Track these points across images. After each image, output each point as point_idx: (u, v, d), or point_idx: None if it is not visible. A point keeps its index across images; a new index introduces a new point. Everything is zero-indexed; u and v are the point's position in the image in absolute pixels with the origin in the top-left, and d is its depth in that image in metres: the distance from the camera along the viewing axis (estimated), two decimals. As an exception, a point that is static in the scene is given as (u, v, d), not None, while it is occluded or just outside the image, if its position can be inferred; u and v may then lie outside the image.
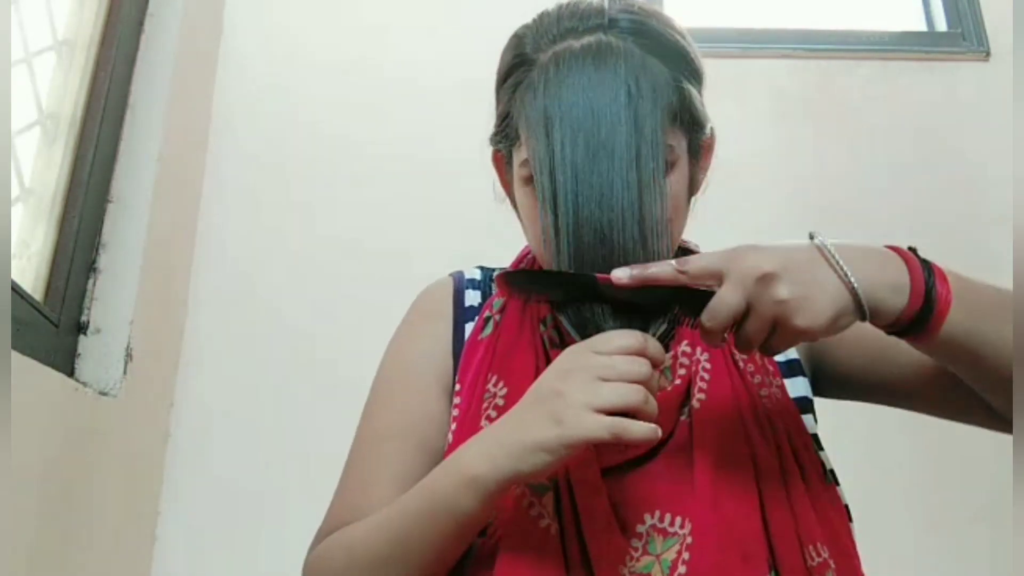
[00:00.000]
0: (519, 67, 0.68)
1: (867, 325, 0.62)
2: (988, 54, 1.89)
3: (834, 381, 0.78)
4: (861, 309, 0.58)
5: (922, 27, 2.02)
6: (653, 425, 0.56)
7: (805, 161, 1.81)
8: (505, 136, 0.71)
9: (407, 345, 0.79)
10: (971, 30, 1.92)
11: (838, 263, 0.58)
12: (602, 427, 0.55)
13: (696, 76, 0.71)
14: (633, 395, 0.56)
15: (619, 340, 0.59)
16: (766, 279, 0.57)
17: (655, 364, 0.59)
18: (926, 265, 0.61)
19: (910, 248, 0.62)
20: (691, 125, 0.69)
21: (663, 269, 0.59)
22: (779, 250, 0.59)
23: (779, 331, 0.57)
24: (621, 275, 0.58)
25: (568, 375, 0.58)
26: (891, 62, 1.89)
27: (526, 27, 0.70)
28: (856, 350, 0.75)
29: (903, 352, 0.70)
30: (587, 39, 0.65)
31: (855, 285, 0.57)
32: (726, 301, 0.57)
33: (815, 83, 1.87)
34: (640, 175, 0.61)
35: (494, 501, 0.60)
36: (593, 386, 0.56)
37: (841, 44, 1.91)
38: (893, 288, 0.59)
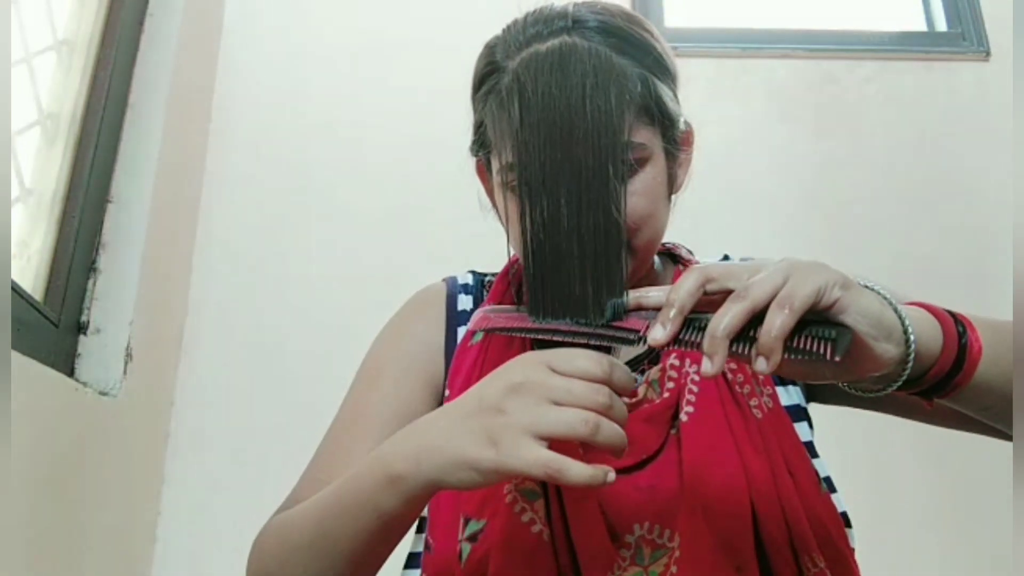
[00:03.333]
0: (490, 75, 0.70)
1: None
2: (988, 54, 1.89)
3: (828, 389, 0.76)
4: (908, 345, 0.53)
5: (922, 27, 2.02)
6: (599, 468, 0.50)
7: (805, 161, 1.81)
8: (482, 144, 0.73)
9: (398, 338, 0.79)
10: (971, 30, 1.92)
11: (891, 303, 0.53)
12: (538, 463, 0.49)
13: (665, 71, 0.71)
14: (581, 426, 0.50)
15: (581, 361, 0.53)
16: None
17: (620, 393, 0.53)
18: (953, 316, 0.57)
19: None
20: (663, 122, 0.69)
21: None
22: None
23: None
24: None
25: (516, 391, 0.52)
26: (891, 62, 1.89)
27: (496, 37, 0.72)
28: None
29: None
30: (552, 42, 0.66)
31: (908, 326, 0.53)
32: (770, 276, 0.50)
33: (815, 83, 1.87)
34: (602, 172, 0.60)
35: (418, 502, 0.57)
36: (541, 409, 0.51)
37: (841, 44, 1.91)
38: (932, 337, 0.55)
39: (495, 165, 0.70)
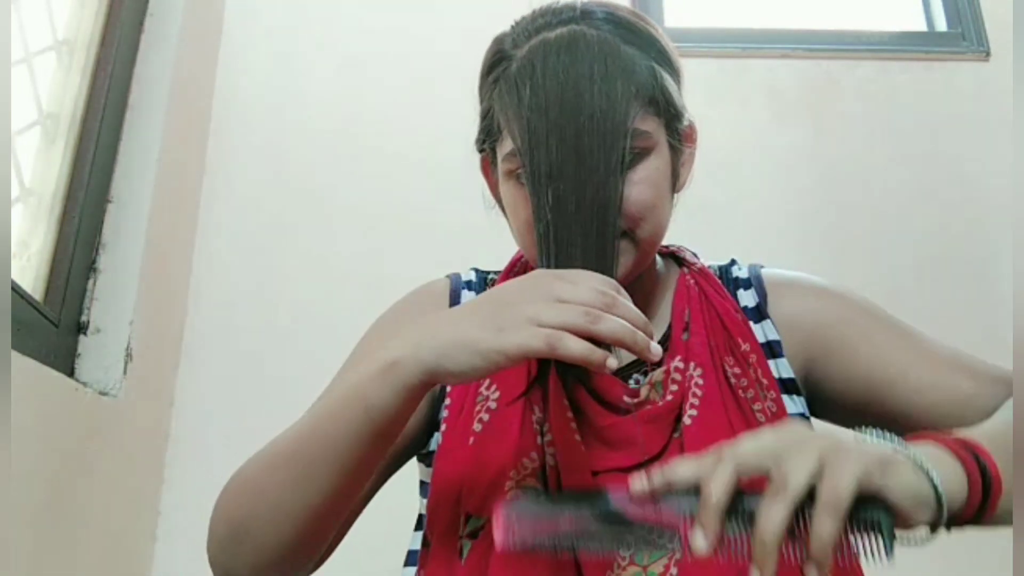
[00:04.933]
0: (498, 64, 0.71)
1: (863, 348, 0.67)
2: (988, 54, 1.89)
3: (828, 406, 0.76)
4: (940, 510, 0.49)
5: (922, 27, 2.02)
6: (598, 349, 0.52)
7: (805, 161, 1.80)
8: (488, 133, 0.73)
9: (397, 325, 0.77)
10: (971, 30, 1.92)
11: (924, 470, 0.50)
12: (538, 336, 0.52)
13: (671, 66, 0.72)
14: (581, 317, 0.53)
15: (587, 275, 0.57)
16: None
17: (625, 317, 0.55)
18: (974, 453, 0.53)
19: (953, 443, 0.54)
20: (668, 113, 0.70)
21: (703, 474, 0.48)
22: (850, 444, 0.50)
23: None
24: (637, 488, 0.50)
25: (525, 290, 0.56)
26: (891, 62, 1.89)
27: (504, 31, 0.73)
28: (854, 374, 0.72)
29: (907, 386, 0.69)
30: (560, 30, 0.67)
31: (942, 495, 0.49)
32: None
33: (815, 83, 1.87)
34: (606, 160, 0.62)
35: (411, 397, 0.56)
36: (545, 303, 0.54)
37: (841, 44, 1.91)
38: (960, 490, 0.51)
39: (500, 153, 0.71)
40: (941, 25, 1.97)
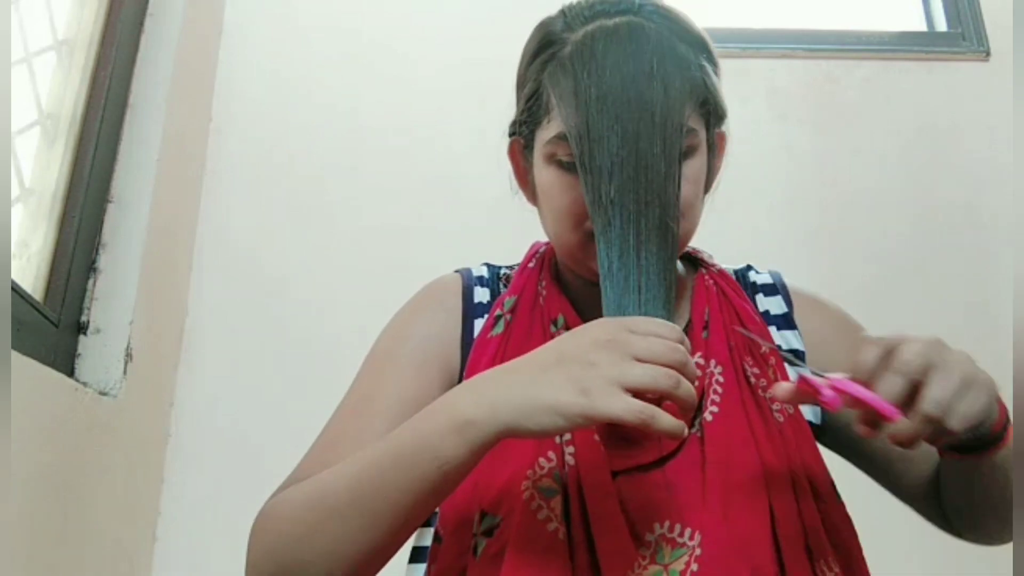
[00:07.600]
0: (550, 46, 0.70)
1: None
2: (988, 54, 1.89)
3: (840, 442, 0.79)
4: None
5: (922, 27, 2.02)
6: (681, 422, 0.54)
7: (805, 161, 1.80)
8: (530, 116, 0.72)
9: (412, 324, 0.77)
10: (971, 30, 1.92)
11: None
12: (631, 410, 0.52)
13: (716, 67, 0.73)
14: (665, 379, 0.53)
15: (656, 326, 0.56)
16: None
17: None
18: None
19: None
20: (714, 113, 0.71)
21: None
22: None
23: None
24: None
25: (602, 347, 0.55)
26: (891, 62, 1.89)
27: (552, 16, 0.72)
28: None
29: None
30: (618, 19, 0.67)
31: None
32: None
33: (815, 83, 1.87)
34: (668, 155, 0.62)
35: (483, 451, 0.56)
36: (627, 364, 0.53)
37: (841, 44, 1.91)
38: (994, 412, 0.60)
39: (542, 137, 0.70)
40: (941, 25, 1.98)
